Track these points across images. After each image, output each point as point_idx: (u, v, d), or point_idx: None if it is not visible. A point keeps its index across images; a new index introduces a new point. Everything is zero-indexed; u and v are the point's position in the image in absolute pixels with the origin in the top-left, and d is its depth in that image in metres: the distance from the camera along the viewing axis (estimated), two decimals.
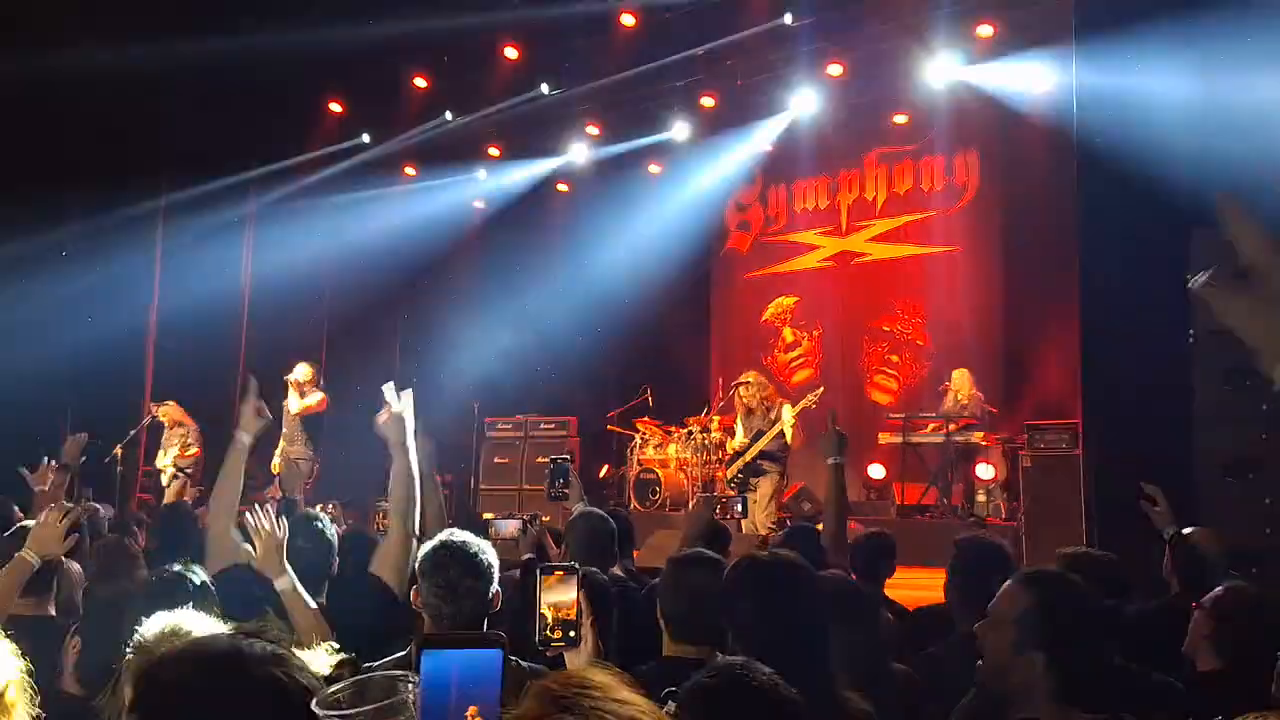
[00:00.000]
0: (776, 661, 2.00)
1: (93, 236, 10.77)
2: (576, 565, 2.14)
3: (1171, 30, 6.83)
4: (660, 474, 11.84)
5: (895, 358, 13.87)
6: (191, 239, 11.97)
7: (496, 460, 12.74)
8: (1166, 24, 6.87)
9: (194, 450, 11.37)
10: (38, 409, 10.16)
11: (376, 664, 2.07)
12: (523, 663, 2.47)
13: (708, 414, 12.21)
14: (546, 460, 11.87)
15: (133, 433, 11.34)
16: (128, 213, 11.11)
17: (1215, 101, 6.66)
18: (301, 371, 11.34)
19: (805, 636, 2.36)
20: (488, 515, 5.85)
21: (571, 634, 2.17)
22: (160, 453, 11.41)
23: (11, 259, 9.93)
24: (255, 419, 4.03)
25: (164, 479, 11.34)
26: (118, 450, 11.08)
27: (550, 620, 2.18)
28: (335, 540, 4.12)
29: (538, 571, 2.14)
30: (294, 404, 11.18)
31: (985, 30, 11.33)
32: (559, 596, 2.13)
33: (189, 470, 11.34)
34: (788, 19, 11.12)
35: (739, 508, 6.40)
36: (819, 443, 4.48)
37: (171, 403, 11.58)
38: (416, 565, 2.96)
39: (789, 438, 10.20)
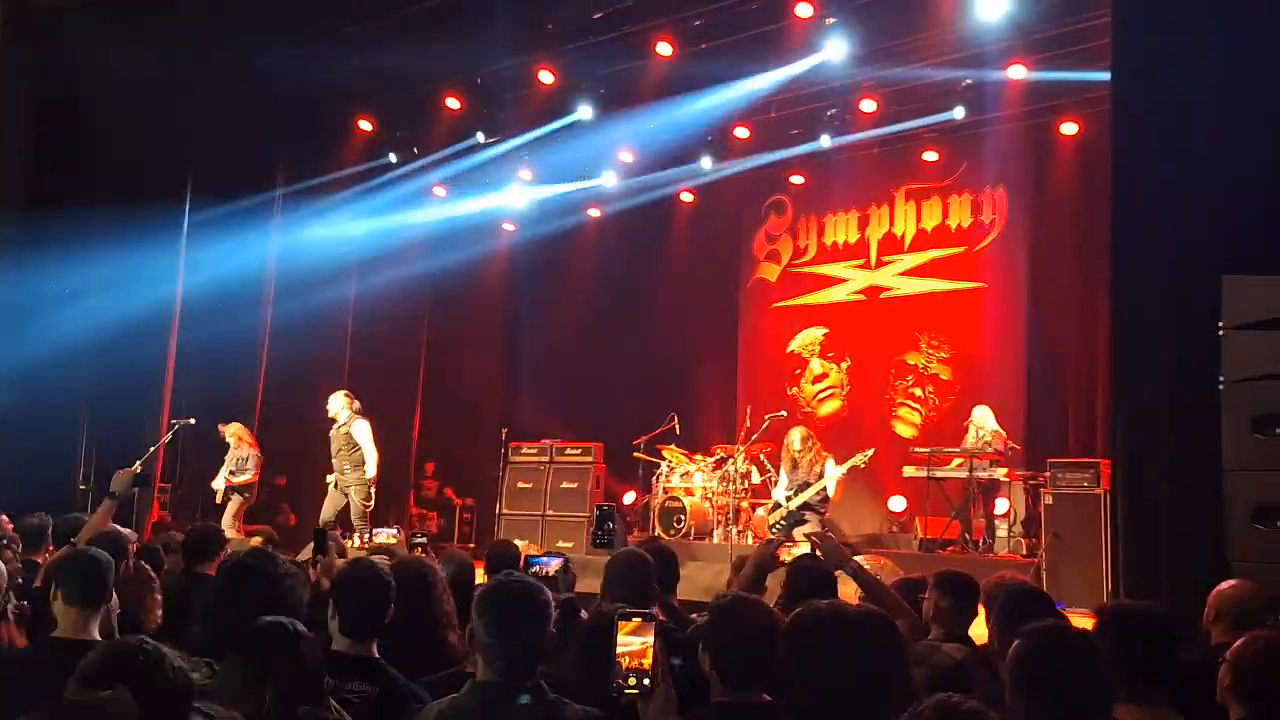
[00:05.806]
0: (835, 711, 2.02)
1: (117, 255, 10.75)
2: (654, 613, 2.16)
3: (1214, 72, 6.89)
4: (686, 502, 11.73)
5: (919, 391, 13.88)
6: (215, 257, 11.97)
7: (520, 485, 12.60)
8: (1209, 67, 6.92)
9: (247, 477, 11.58)
10: (56, 425, 10.25)
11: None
12: None
13: (742, 442, 12.16)
14: (572, 486, 12.08)
15: (151, 449, 11.38)
16: (151, 229, 11.07)
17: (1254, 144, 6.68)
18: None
19: (862, 687, 2.37)
20: (530, 552, 5.84)
21: (645, 682, 2.19)
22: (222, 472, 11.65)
23: (36, 272, 10.04)
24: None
25: (217, 498, 11.55)
26: (136, 467, 11.09)
27: (624, 667, 2.20)
28: None
29: (614, 618, 2.16)
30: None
31: (1018, 71, 11.38)
32: (633, 643, 2.14)
33: (245, 493, 11.62)
34: (827, 56, 11.24)
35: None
36: (823, 559, 4.45)
37: (238, 424, 11.85)
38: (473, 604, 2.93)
39: (831, 493, 10.33)
